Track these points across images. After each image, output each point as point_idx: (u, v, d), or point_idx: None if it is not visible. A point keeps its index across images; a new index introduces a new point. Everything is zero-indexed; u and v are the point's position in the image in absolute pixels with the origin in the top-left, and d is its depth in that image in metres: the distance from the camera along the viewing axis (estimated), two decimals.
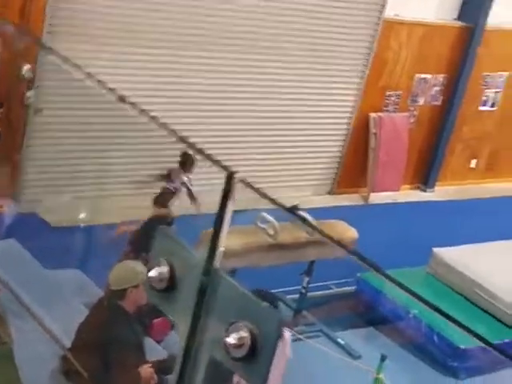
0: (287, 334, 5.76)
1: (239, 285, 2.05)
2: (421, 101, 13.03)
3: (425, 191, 13.41)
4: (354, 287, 9.53)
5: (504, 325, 9.08)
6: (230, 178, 2.01)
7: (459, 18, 13.04)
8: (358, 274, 9.52)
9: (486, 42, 13.15)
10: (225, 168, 2.01)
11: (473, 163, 14.02)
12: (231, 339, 1.96)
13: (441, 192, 13.52)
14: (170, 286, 2.11)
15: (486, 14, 12.97)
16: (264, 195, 1.98)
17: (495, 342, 8.65)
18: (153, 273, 2.12)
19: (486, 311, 9.23)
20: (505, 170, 13.84)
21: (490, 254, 10.10)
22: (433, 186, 13.54)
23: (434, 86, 13.10)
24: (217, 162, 2.08)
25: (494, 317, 9.16)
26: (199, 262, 2.09)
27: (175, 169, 9.01)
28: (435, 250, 9.97)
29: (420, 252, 10.07)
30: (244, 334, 1.94)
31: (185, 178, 8.85)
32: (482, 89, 13.72)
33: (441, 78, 13.10)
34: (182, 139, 2.15)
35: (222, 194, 2.05)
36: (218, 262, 2.07)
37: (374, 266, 1.99)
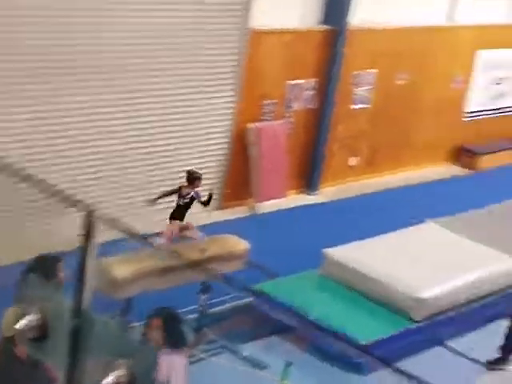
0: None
1: (113, 323, 2.01)
2: (296, 106, 13.21)
3: (310, 194, 13.58)
4: (251, 299, 9.54)
5: (401, 315, 9.26)
6: (89, 215, 1.97)
7: (323, 21, 13.29)
8: (255, 286, 9.56)
9: (351, 42, 13.46)
10: (83, 206, 1.96)
11: (352, 161, 14.31)
12: (109, 379, 1.92)
13: (325, 193, 13.75)
14: (43, 333, 2.05)
15: (347, 16, 13.27)
16: (125, 230, 1.95)
17: (393, 333, 8.89)
18: (21, 324, 2.05)
19: (382, 304, 9.39)
20: (383, 165, 14.18)
21: (379, 248, 10.32)
22: (317, 189, 13.73)
23: (307, 90, 13.31)
24: (75, 201, 2.03)
25: (390, 308, 9.33)
26: (70, 305, 2.04)
27: (184, 186, 10.27)
28: (326, 250, 10.10)
29: (313, 255, 10.20)
30: (121, 372, 1.91)
31: (193, 192, 10.18)
32: (353, 88, 14.02)
33: (313, 81, 13.32)
34: (34, 181, 2.10)
35: (83, 233, 2.01)
36: (87, 302, 2.02)
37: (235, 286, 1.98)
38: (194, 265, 7.88)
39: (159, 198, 10.32)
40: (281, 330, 8.98)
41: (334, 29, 13.22)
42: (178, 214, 10.29)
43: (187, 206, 10.32)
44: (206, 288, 8.59)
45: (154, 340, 5.89)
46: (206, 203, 10.31)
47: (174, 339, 6.00)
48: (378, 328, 8.96)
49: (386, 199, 13.79)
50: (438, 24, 15.22)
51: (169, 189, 10.40)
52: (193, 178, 10.32)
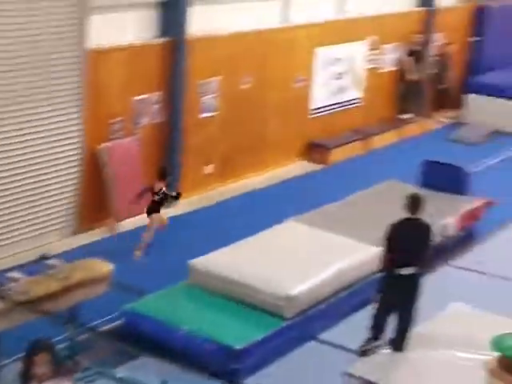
0: None
1: None
2: (144, 121, 13.14)
3: (169, 207, 13.50)
4: (121, 320, 9.42)
5: (273, 315, 9.34)
6: None
7: (161, 34, 13.26)
8: (124, 306, 9.44)
9: (192, 52, 13.51)
10: None
11: (207, 169, 14.35)
12: None
13: (185, 204, 13.71)
14: None
15: (185, 26, 13.30)
16: None
17: (266, 334, 8.99)
18: None
19: (253, 307, 9.46)
20: (238, 169, 14.27)
21: (244, 252, 10.41)
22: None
23: (154, 104, 13.26)
24: None
25: (262, 310, 9.41)
26: None
27: (156, 182, 11.81)
28: (191, 261, 10.10)
29: (181, 267, 10.17)
30: None
31: (164, 188, 11.81)
32: (199, 97, 14.07)
33: (158, 95, 13.28)
34: None
35: None
36: None
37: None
38: (51, 297, 7.72)
39: (139, 197, 11.81)
40: (155, 347, 8.90)
41: (172, 40, 13.23)
42: (154, 209, 11.87)
43: (161, 201, 11.88)
44: (72, 316, 8.42)
45: (40, 375, 5.76)
46: (176, 197, 12.10)
47: (61, 368, 5.92)
48: (251, 331, 9.02)
49: (245, 202, 13.92)
50: (274, 26, 15.51)
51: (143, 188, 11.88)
52: (164, 174, 11.85)
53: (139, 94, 12.96)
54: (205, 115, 14.25)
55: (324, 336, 9.72)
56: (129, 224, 12.63)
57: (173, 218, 13.15)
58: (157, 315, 9.21)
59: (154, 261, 11.50)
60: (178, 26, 13.26)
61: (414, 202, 9.18)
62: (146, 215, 12.03)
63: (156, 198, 11.84)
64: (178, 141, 13.59)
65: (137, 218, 12.69)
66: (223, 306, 9.54)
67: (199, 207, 13.65)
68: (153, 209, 11.89)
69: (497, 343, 8.51)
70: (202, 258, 10.17)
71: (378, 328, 9.37)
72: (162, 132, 13.45)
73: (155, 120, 13.32)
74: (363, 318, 9.76)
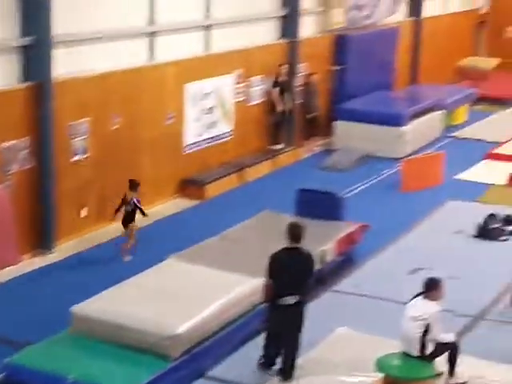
0: None
1: None
2: (14, 168, 12.81)
3: (46, 254, 13.22)
4: (2, 374, 9.09)
5: (158, 356, 9.22)
6: None
7: (25, 79, 13.00)
8: (5, 360, 9.13)
9: (59, 95, 13.29)
10: None
11: (83, 212, 14.12)
12: None
13: (63, 250, 13.43)
14: None
15: (50, 69, 13.08)
16: None
17: (154, 376, 8.86)
18: None
19: (138, 350, 9.31)
20: (113, 210, 13.97)
21: (126, 294, 10.28)
22: (52, 247, 13.38)
23: (23, 150, 12.95)
24: None
25: (147, 352, 9.27)
26: None
27: (128, 193, 12.93)
28: (73, 308, 9.88)
29: (62, 315, 9.93)
30: None
31: (135, 198, 12.93)
32: (69, 139, 13.85)
33: (26, 140, 12.98)
34: None
35: None
36: None
37: None
38: None
39: (117, 211, 12.99)
40: None
41: (37, 84, 12.98)
42: (128, 219, 12.93)
43: (134, 210, 12.90)
44: None
45: None
46: (142, 211, 12.99)
47: None
48: (138, 374, 8.87)
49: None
50: (142, 64, 15.49)
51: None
52: (135, 184, 12.98)
53: (6, 141, 12.64)
54: (76, 158, 14.02)
55: (213, 373, 9.66)
56: (3, 275, 12.24)
57: (50, 265, 12.87)
58: (40, 366, 8.94)
59: (32, 311, 11.18)
60: (41, 70, 13.02)
61: (294, 231, 9.26)
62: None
63: (128, 207, 12.91)
64: (50, 186, 13.32)
65: (12, 267, 12.34)
66: (108, 351, 9.35)
67: (76, 252, 13.39)
68: (128, 218, 12.98)
69: (381, 364, 8.73)
70: (83, 303, 9.96)
71: (268, 358, 9.41)
72: (34, 178, 13.15)
73: (25, 166, 13.01)
74: (251, 350, 9.80)
